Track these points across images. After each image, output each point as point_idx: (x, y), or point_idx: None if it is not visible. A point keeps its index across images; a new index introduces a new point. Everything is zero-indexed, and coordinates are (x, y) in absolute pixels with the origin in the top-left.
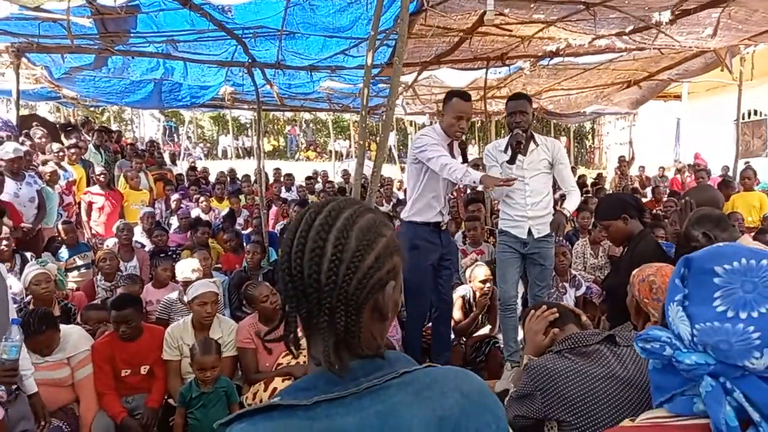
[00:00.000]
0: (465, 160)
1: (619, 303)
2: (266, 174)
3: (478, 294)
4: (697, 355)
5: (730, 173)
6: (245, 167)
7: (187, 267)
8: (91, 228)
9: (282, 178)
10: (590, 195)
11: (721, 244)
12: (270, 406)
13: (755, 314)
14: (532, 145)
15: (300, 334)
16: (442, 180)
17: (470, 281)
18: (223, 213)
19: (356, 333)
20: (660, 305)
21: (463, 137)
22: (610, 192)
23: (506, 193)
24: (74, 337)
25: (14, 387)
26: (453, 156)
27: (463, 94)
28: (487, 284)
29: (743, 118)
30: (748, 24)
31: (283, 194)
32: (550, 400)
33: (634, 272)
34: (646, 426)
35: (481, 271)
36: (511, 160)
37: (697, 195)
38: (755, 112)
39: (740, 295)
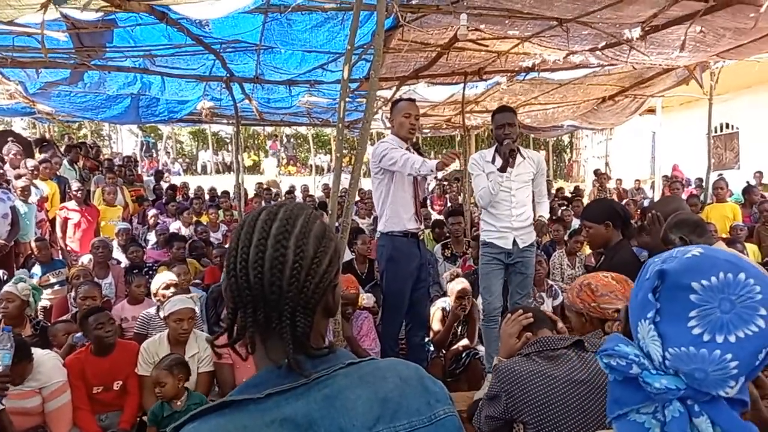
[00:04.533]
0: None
1: None
2: (245, 189)
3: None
4: (667, 378)
5: (704, 185)
6: (225, 182)
7: (161, 281)
8: (66, 245)
9: (263, 193)
10: (566, 208)
11: (697, 253)
12: (222, 404)
13: (732, 339)
14: (519, 158)
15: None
16: (408, 185)
17: (451, 294)
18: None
19: (309, 332)
20: (609, 298)
21: (415, 138)
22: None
23: (492, 203)
24: (48, 367)
25: None
26: None
27: (407, 99)
28: (462, 299)
29: (715, 132)
30: (717, 46)
31: None
32: (513, 402)
33: (565, 298)
34: None
35: (458, 285)
36: (503, 168)
37: (662, 207)
38: (727, 125)
39: (717, 316)
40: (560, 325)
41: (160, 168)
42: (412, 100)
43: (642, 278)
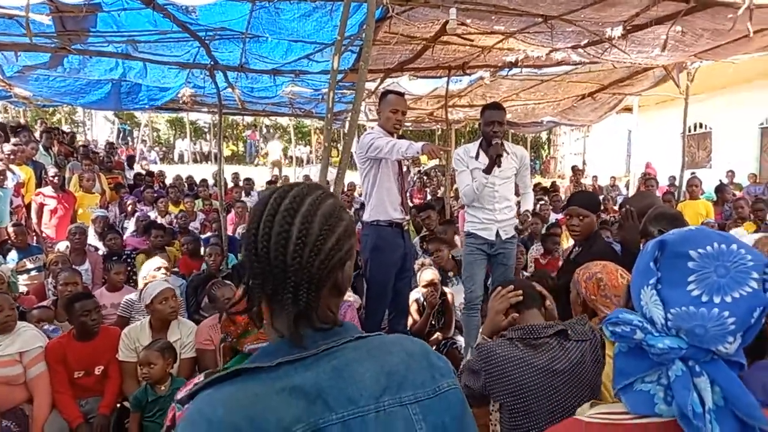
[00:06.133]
0: None
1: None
2: (225, 179)
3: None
4: (670, 339)
5: (677, 183)
6: (202, 172)
7: (152, 266)
8: (42, 231)
9: (241, 183)
10: (545, 203)
11: (691, 227)
12: (235, 371)
13: (728, 299)
14: (503, 155)
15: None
16: (394, 176)
17: (420, 284)
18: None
19: (315, 308)
20: (609, 302)
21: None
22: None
23: (477, 198)
24: (27, 334)
25: None
26: None
27: (397, 92)
28: (431, 287)
29: (689, 131)
30: (695, 46)
31: (243, 199)
32: (491, 382)
33: (578, 270)
34: (603, 423)
35: (427, 275)
36: (488, 170)
37: (636, 202)
38: (701, 125)
39: (714, 280)
40: (548, 302)
41: (134, 155)
42: (402, 95)
43: (642, 253)
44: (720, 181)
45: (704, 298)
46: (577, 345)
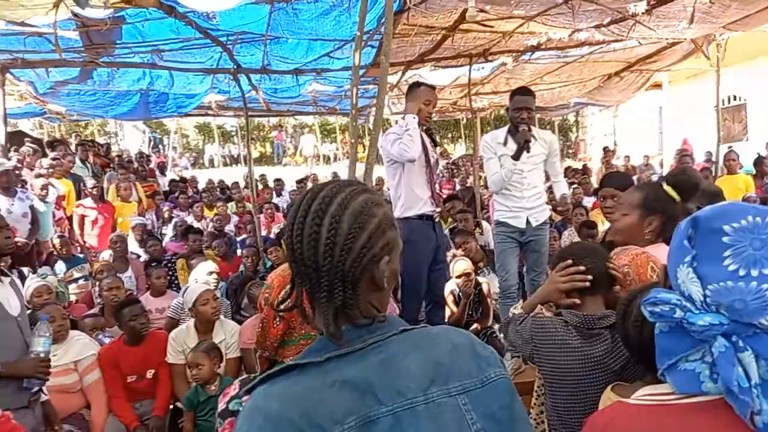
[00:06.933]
0: (435, 144)
1: None
2: (256, 180)
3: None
4: (710, 315)
5: (713, 158)
6: (233, 174)
7: (203, 270)
8: (85, 241)
9: (271, 184)
10: (577, 186)
11: (725, 203)
12: (288, 367)
13: (766, 271)
14: (531, 140)
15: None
16: (421, 169)
17: (453, 276)
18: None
19: (354, 304)
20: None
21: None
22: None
23: (504, 186)
24: (81, 343)
25: (36, 389)
26: (423, 142)
27: (427, 84)
28: (464, 278)
29: (723, 104)
30: (724, 17)
31: (274, 200)
32: (540, 358)
33: (611, 255)
34: (652, 405)
35: (460, 266)
36: (516, 156)
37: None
38: (735, 97)
39: (750, 253)
40: (617, 288)
41: (166, 163)
42: (433, 87)
43: (676, 232)
44: (758, 154)
45: (741, 272)
46: None
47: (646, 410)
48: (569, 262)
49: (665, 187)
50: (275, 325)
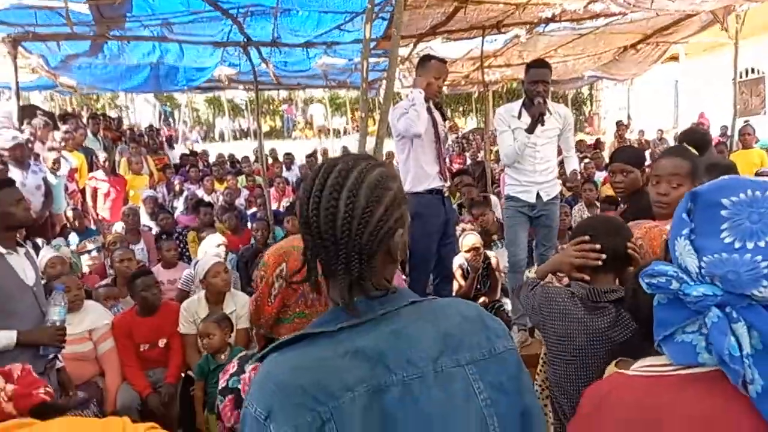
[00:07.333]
0: (444, 118)
1: None
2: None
3: (469, 262)
4: (704, 286)
5: (729, 132)
6: (243, 148)
7: (212, 243)
8: (97, 213)
9: (281, 158)
10: (589, 161)
11: (725, 177)
12: (300, 336)
13: (762, 244)
14: (546, 114)
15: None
16: (429, 143)
17: (462, 250)
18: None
19: (369, 276)
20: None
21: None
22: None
23: (517, 160)
24: (96, 312)
25: (51, 356)
26: (432, 116)
27: (438, 57)
28: (473, 252)
29: (741, 77)
30: None
31: (284, 174)
32: (546, 327)
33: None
34: (648, 376)
35: (469, 240)
36: (530, 130)
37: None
38: (753, 70)
39: (747, 226)
40: (631, 269)
41: (176, 136)
42: (444, 61)
43: (677, 205)
44: None
45: (737, 245)
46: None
47: (643, 381)
48: (586, 238)
49: (687, 147)
50: (269, 303)
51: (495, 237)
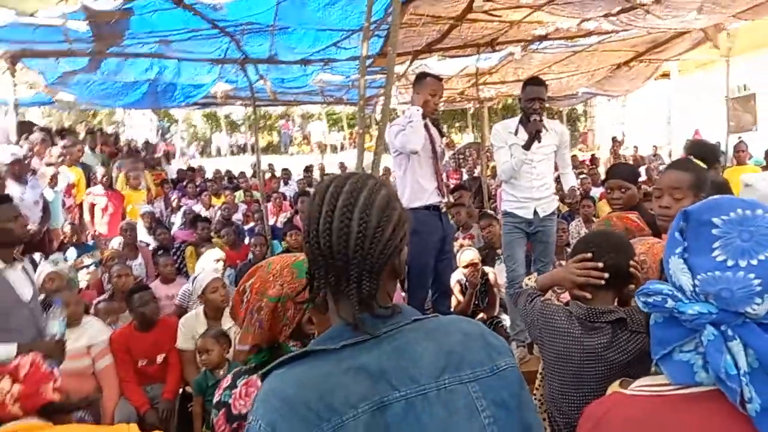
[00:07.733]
0: (441, 134)
1: None
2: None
3: (468, 277)
4: (699, 305)
5: (723, 149)
6: (240, 163)
7: (211, 258)
8: (95, 228)
9: (278, 173)
10: (585, 176)
11: (716, 197)
12: (304, 353)
13: (754, 262)
14: (542, 131)
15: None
16: (427, 160)
17: (460, 266)
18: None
19: (375, 294)
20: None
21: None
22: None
23: (514, 176)
24: (94, 328)
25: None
26: (429, 133)
27: (434, 75)
28: (471, 268)
29: (733, 94)
30: (733, 6)
31: (282, 188)
32: (542, 342)
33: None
34: (648, 395)
35: (467, 255)
36: (527, 146)
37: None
38: (745, 87)
39: (738, 244)
40: (632, 287)
41: (173, 152)
42: (440, 79)
43: (671, 225)
44: None
45: (729, 263)
46: (632, 336)
47: (642, 400)
48: (589, 255)
49: (693, 160)
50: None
51: (499, 251)
